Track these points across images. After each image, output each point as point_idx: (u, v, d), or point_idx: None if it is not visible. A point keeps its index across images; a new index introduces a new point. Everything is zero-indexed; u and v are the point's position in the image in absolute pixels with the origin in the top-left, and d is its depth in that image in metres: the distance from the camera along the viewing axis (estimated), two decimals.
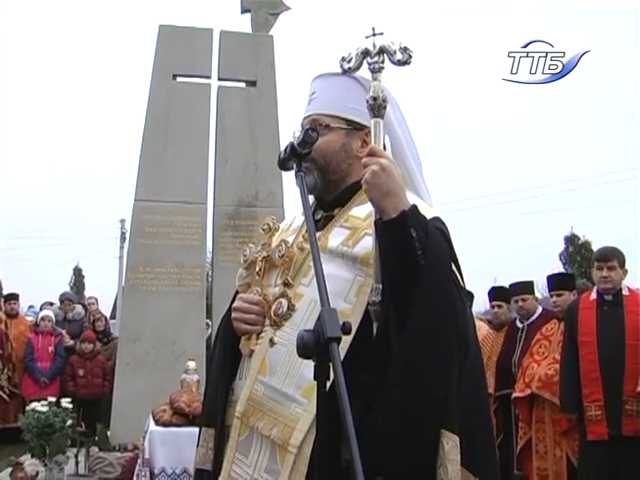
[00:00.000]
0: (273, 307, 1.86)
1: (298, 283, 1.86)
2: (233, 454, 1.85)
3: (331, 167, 1.92)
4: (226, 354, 1.98)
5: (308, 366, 1.49)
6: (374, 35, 1.79)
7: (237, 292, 2.05)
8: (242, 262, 2.05)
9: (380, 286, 1.70)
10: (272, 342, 1.82)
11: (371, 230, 1.74)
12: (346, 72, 1.89)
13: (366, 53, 1.80)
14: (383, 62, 1.77)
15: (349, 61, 1.86)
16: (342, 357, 1.44)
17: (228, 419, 1.91)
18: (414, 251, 1.63)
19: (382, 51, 1.77)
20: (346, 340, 1.60)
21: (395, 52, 1.76)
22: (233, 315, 1.91)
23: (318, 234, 1.84)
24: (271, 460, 1.75)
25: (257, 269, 1.96)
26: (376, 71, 1.77)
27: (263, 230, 2.05)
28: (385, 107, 1.75)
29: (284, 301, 1.84)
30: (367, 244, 1.77)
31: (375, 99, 1.73)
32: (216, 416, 1.94)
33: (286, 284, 1.87)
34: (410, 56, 1.76)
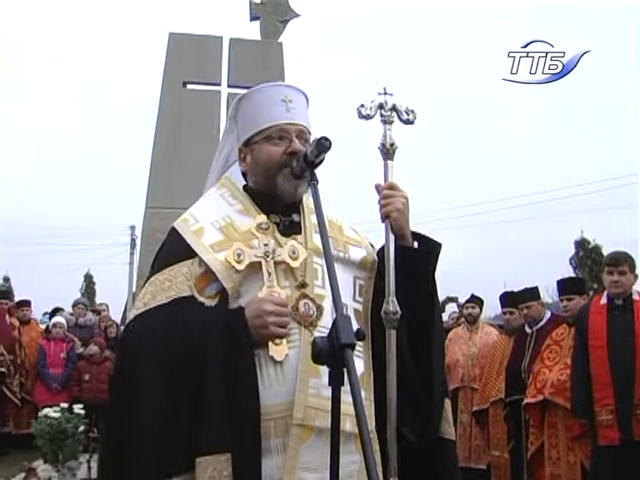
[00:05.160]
0: (302, 309, 1.88)
1: (312, 284, 1.93)
2: (296, 464, 1.78)
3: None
4: (249, 366, 1.80)
5: (355, 360, 1.60)
6: (385, 94, 2.12)
7: (226, 294, 1.90)
8: (235, 262, 1.89)
9: (395, 299, 1.94)
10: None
11: (350, 240, 2.10)
12: (364, 118, 2.09)
13: (380, 106, 2.11)
14: (393, 116, 2.11)
15: (367, 109, 2.10)
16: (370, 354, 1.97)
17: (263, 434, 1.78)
18: (433, 276, 2.07)
19: (393, 108, 2.11)
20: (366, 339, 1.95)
21: (403, 112, 2.12)
22: (269, 319, 1.80)
23: (299, 237, 1.99)
24: (348, 452, 1.77)
25: (267, 270, 1.91)
26: (388, 122, 2.10)
27: (261, 229, 1.98)
28: (395, 151, 2.07)
29: (310, 303, 1.90)
30: (355, 251, 2.08)
31: (391, 145, 2.07)
32: (242, 437, 1.74)
33: (303, 285, 1.92)
34: (415, 117, 2.12)
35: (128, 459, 1.76)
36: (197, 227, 2.01)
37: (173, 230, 2.05)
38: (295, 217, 2.05)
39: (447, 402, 2.16)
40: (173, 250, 2.00)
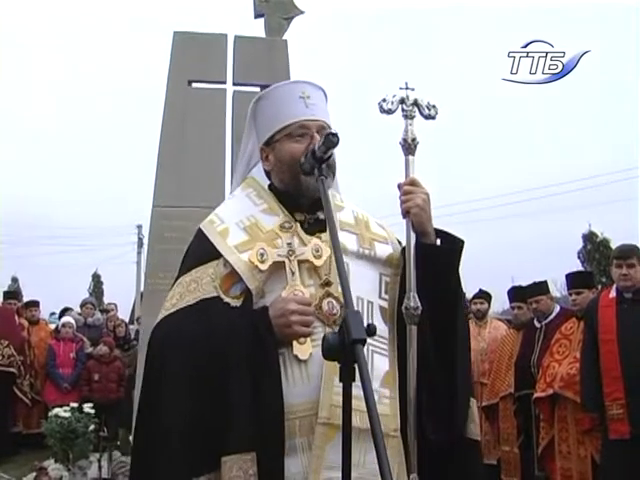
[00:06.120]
0: (325, 307, 1.89)
1: (336, 283, 1.91)
2: (321, 462, 1.77)
3: None
4: (273, 365, 1.81)
5: (380, 358, 1.88)
6: (407, 89, 2.09)
7: (250, 294, 1.90)
8: (259, 262, 1.89)
9: (415, 294, 1.92)
10: None
11: (376, 236, 2.08)
12: (385, 112, 2.07)
13: (402, 101, 2.09)
14: (415, 111, 2.08)
15: (389, 104, 2.08)
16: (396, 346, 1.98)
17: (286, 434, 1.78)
18: (457, 273, 2.05)
19: (415, 103, 2.08)
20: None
21: (424, 107, 2.09)
22: (293, 318, 1.80)
23: (324, 235, 1.97)
24: (372, 450, 1.66)
25: (290, 269, 1.92)
26: (409, 117, 2.07)
27: (284, 228, 2.00)
28: (416, 147, 2.04)
29: (334, 301, 1.90)
30: (381, 248, 2.06)
31: (413, 140, 2.05)
32: (266, 436, 1.74)
33: (327, 284, 1.92)
34: (436, 113, 2.09)
35: (153, 460, 1.79)
36: (222, 228, 2.01)
37: (199, 231, 2.06)
38: (320, 215, 2.03)
39: (473, 401, 2.12)
40: (199, 251, 2.01)
